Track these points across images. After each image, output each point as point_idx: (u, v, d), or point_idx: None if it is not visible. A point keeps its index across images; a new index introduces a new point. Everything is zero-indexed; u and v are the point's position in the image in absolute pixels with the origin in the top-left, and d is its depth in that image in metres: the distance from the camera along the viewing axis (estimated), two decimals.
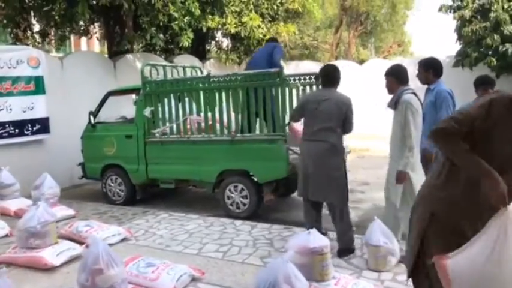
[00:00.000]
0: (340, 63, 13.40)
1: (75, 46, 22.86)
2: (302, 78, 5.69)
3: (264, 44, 7.38)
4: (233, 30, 10.12)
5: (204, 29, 9.99)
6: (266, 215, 5.94)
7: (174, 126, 6.20)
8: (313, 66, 12.67)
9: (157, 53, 11.46)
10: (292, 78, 5.71)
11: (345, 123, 4.21)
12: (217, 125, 5.90)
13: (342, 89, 4.35)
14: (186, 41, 9.24)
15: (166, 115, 6.25)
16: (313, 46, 23.93)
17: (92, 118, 6.88)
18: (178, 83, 6.21)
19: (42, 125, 7.69)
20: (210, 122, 5.92)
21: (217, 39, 14.26)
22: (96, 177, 7.05)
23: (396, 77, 4.01)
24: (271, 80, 5.48)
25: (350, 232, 4.23)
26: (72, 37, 13.77)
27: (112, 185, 6.87)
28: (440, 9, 10.91)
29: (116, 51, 10.05)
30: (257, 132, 5.72)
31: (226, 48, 13.12)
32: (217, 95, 5.88)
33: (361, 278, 3.67)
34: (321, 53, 25.12)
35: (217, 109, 5.87)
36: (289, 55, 20.47)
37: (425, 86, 4.59)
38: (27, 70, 7.48)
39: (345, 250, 4.17)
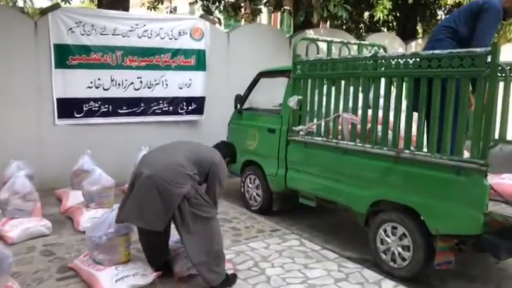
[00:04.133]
0: None
1: (275, 23, 21.69)
2: None
3: None
4: (450, 1, 7.47)
5: (410, 0, 7.66)
6: (436, 281, 3.77)
7: (322, 124, 4.47)
8: None
9: (351, 30, 9.64)
10: None
11: None
12: (379, 130, 3.91)
13: None
14: (380, 12, 7.19)
15: (315, 107, 4.56)
16: None
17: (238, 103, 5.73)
18: (333, 64, 4.37)
19: (197, 105, 6.93)
20: (369, 125, 3.98)
21: (438, 17, 11.63)
22: (237, 173, 5.88)
23: None
24: (475, 67, 3.17)
25: None
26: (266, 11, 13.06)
27: (250, 185, 5.63)
28: None
29: (298, 25, 8.66)
30: (438, 152, 3.50)
31: None
32: (384, 84, 3.88)
33: None
34: None
35: (381, 106, 3.87)
36: None
37: None
38: (188, 42, 6.74)
39: None
